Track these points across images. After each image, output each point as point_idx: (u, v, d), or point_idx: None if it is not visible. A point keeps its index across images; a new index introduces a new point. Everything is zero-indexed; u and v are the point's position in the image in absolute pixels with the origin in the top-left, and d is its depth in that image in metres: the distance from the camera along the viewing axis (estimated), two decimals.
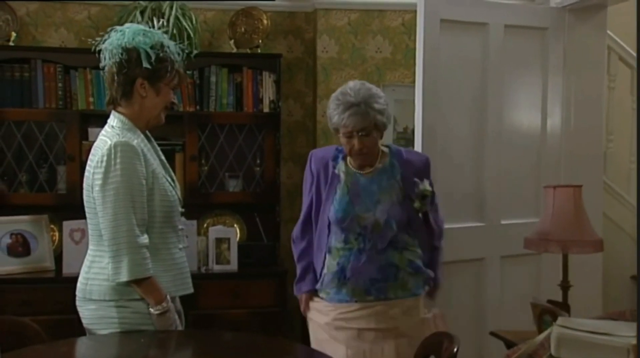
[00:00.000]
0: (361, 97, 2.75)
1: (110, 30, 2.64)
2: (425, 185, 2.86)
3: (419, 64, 3.62)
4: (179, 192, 2.69)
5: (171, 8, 4.31)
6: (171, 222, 2.61)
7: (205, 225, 4.53)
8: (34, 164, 4.32)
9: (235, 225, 4.55)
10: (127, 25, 2.65)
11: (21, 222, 4.22)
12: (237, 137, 4.46)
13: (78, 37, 4.52)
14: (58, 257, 4.25)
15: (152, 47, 2.57)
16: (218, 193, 4.46)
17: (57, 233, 4.39)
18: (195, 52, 4.28)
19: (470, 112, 3.83)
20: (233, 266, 4.24)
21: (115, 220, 2.45)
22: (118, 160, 2.47)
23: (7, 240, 4.17)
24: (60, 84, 4.32)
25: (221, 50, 4.62)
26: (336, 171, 2.91)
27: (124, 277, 2.45)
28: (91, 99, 4.29)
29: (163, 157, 2.74)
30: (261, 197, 4.48)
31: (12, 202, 4.28)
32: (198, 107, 4.43)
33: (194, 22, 4.37)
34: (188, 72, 4.37)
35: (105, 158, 2.48)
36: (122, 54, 2.57)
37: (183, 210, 2.73)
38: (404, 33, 4.66)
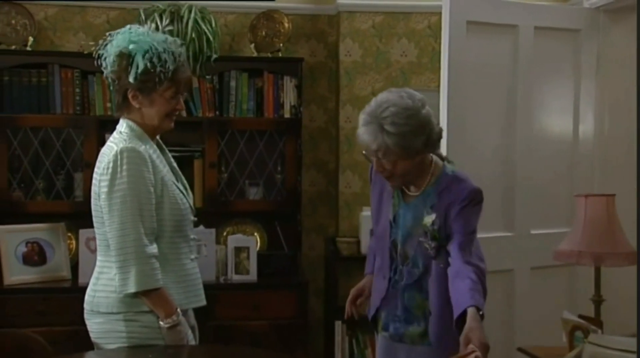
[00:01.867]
0: (378, 114, 2.37)
1: (111, 34, 2.57)
2: (428, 218, 2.46)
3: (444, 67, 3.55)
4: (191, 200, 2.63)
5: (190, 11, 4.27)
6: (182, 231, 2.55)
7: (224, 233, 4.48)
8: (50, 171, 4.30)
9: (255, 234, 4.50)
10: (126, 27, 2.56)
11: (37, 230, 4.20)
12: (257, 144, 4.41)
13: (96, 42, 4.48)
14: (74, 266, 4.22)
15: (144, 55, 2.47)
16: (238, 201, 4.41)
17: (74, 242, 4.36)
18: (214, 56, 4.28)
19: (498, 117, 3.74)
20: (252, 276, 4.18)
21: (122, 229, 2.39)
22: (124, 167, 2.41)
23: (23, 248, 4.15)
24: (77, 89, 4.30)
25: (241, 54, 4.58)
26: (389, 188, 2.59)
27: (132, 289, 2.39)
28: (109, 105, 4.26)
29: (175, 164, 2.68)
30: (282, 205, 4.42)
31: (28, 210, 4.26)
32: (217, 113, 4.39)
33: (213, 25, 4.33)
34: (207, 76, 4.36)
35: (111, 164, 2.42)
36: (113, 64, 2.51)
37: (195, 219, 2.66)
38: (430, 36, 4.59)
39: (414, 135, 2.37)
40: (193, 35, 4.22)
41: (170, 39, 2.59)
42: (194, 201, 4.22)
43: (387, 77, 4.56)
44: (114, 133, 2.55)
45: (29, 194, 4.31)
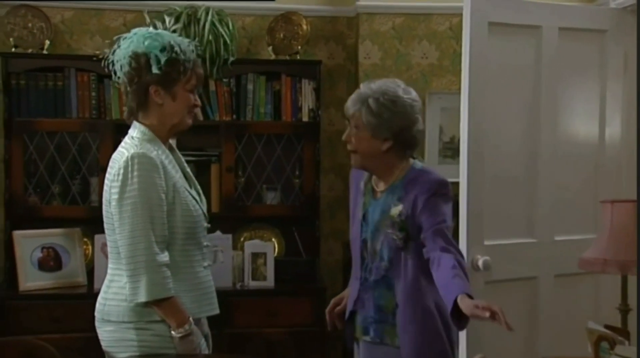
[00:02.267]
0: (369, 88, 2.55)
1: (117, 39, 2.55)
2: (395, 209, 2.52)
3: (464, 70, 3.48)
4: (204, 207, 2.59)
5: (207, 13, 4.25)
6: (195, 238, 2.51)
7: (241, 239, 4.45)
8: (66, 176, 4.29)
9: (272, 240, 4.47)
10: (133, 30, 2.55)
11: (53, 236, 4.19)
12: (275, 148, 4.38)
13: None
14: (90, 272, 4.21)
15: (161, 50, 2.47)
16: (255, 206, 4.39)
17: (90, 247, 4.35)
18: (231, 59, 4.26)
19: (521, 121, 3.67)
20: (269, 282, 4.15)
21: (133, 237, 2.36)
22: (135, 173, 2.37)
23: (39, 254, 4.14)
24: (93, 93, 4.29)
25: (260, 57, 4.55)
26: (361, 186, 2.71)
27: (143, 298, 2.35)
28: (125, 109, 4.23)
29: (188, 169, 2.64)
30: (300, 210, 4.39)
31: (44, 214, 4.26)
32: (234, 117, 4.36)
33: (230, 27, 4.31)
34: (224, 80, 4.34)
35: (122, 171, 2.39)
36: (130, 63, 2.48)
37: (208, 225, 2.62)
38: (452, 37, 4.53)
39: (389, 122, 2.50)
40: (210, 37, 4.21)
41: (175, 34, 2.60)
42: (211, 206, 4.32)
43: (408, 80, 4.36)
44: (126, 138, 2.52)
45: (45, 199, 4.30)
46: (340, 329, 2.78)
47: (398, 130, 2.53)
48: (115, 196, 2.39)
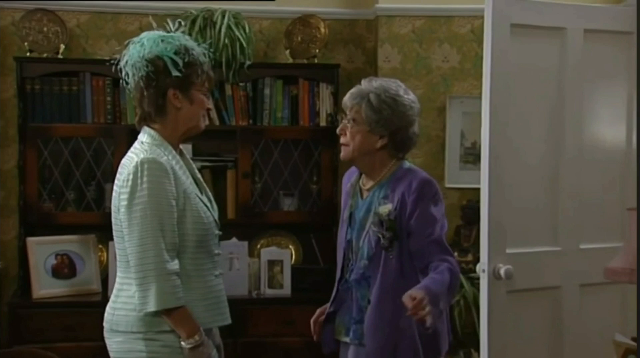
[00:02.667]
0: (371, 84, 2.60)
1: (128, 44, 2.52)
2: (384, 207, 2.53)
3: (486, 73, 3.41)
4: (215, 214, 2.54)
5: (223, 17, 4.23)
6: (206, 246, 2.46)
7: (258, 246, 4.42)
8: (81, 182, 4.28)
9: (290, 247, 4.44)
10: (144, 34, 2.52)
11: (67, 242, 4.18)
12: (292, 153, 4.36)
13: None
14: (105, 279, 4.19)
15: (176, 53, 2.44)
16: (272, 212, 4.36)
17: (104, 254, 4.33)
18: (248, 62, 4.24)
19: (545, 126, 3.59)
20: (286, 290, 4.13)
21: (142, 245, 2.32)
22: (145, 179, 2.33)
23: (53, 261, 4.14)
24: (109, 98, 4.28)
25: (277, 61, 4.52)
26: (349, 188, 2.73)
27: (152, 307, 2.31)
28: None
29: (199, 175, 2.60)
30: (317, 217, 4.37)
31: (59, 221, 4.25)
32: (251, 121, 4.34)
33: (247, 31, 4.28)
34: (241, 84, 4.32)
35: (131, 176, 2.35)
36: (147, 66, 2.44)
37: (220, 233, 2.57)
38: (474, 40, 4.47)
39: (388, 119, 2.54)
40: (226, 41, 4.20)
41: (187, 37, 2.58)
42: (227, 212, 4.30)
43: (428, 84, 4.45)
44: (135, 143, 2.49)
45: (60, 205, 4.29)
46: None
47: (395, 129, 2.57)
48: (124, 202, 2.36)
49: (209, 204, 2.52)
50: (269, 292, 4.13)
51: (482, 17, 3.56)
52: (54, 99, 4.24)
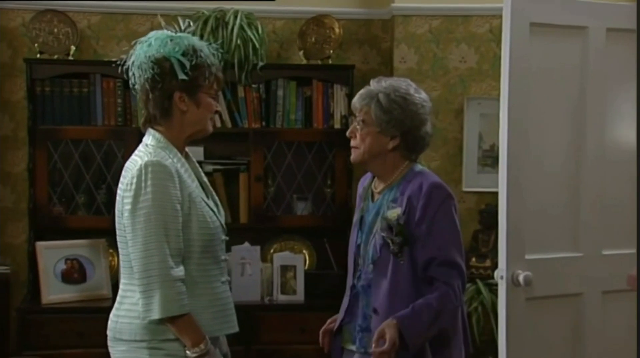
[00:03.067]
0: (380, 84, 2.53)
1: (135, 43, 2.47)
2: (392, 212, 2.44)
3: (504, 73, 3.34)
4: (222, 218, 2.49)
5: (235, 17, 4.19)
6: (212, 252, 2.41)
7: (271, 251, 4.39)
8: (91, 186, 4.25)
9: (304, 252, 4.40)
10: (151, 34, 2.47)
11: (77, 247, 4.16)
12: (306, 156, 4.33)
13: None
14: (116, 285, 4.13)
15: (184, 54, 2.39)
16: (285, 216, 4.33)
17: (115, 259, 4.28)
18: (261, 63, 4.20)
19: (565, 127, 3.51)
20: (299, 296, 4.10)
21: (146, 250, 2.27)
22: (149, 183, 2.28)
23: (62, 266, 4.11)
24: (119, 100, 4.25)
25: (290, 62, 4.48)
26: (362, 192, 2.68)
27: (156, 315, 2.26)
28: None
29: (205, 179, 2.54)
30: (332, 221, 4.33)
31: (69, 225, 4.22)
32: (264, 124, 4.31)
33: (259, 31, 4.25)
34: (253, 85, 4.28)
35: (134, 180, 2.30)
36: (153, 68, 2.38)
37: (227, 238, 2.52)
38: (492, 40, 4.42)
39: (398, 119, 2.47)
40: (238, 42, 4.16)
41: (195, 37, 2.52)
42: (239, 216, 4.25)
43: (445, 85, 4.41)
44: (140, 146, 2.44)
45: (70, 209, 4.26)
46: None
47: (407, 129, 2.50)
48: (128, 207, 2.31)
49: (215, 209, 2.47)
50: (282, 298, 4.09)
51: (501, 16, 3.50)
52: (64, 100, 4.22)
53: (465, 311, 2.60)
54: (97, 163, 4.24)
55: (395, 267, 2.44)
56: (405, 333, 2.33)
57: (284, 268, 4.09)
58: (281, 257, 4.14)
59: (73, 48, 4.30)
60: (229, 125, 4.25)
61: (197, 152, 4.17)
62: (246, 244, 4.12)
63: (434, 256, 2.41)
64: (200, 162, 4.17)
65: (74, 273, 4.12)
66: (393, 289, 2.43)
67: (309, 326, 3.94)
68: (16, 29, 4.39)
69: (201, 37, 4.09)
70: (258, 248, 4.16)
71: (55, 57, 4.28)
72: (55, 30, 4.31)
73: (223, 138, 4.28)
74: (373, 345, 2.33)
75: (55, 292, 4.04)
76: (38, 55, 4.27)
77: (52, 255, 4.09)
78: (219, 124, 4.23)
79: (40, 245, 4.09)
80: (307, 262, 4.37)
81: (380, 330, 2.34)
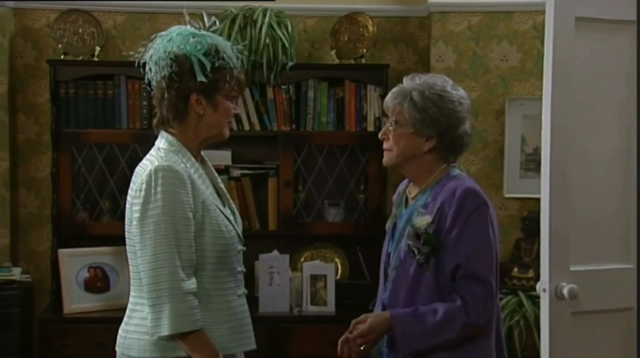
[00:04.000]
0: (414, 82, 2.41)
1: (155, 37, 2.37)
2: (421, 219, 2.31)
3: (547, 71, 3.23)
4: (239, 227, 2.38)
5: (264, 15, 4.11)
6: (227, 263, 2.30)
7: (301, 259, 4.32)
8: (115, 191, 4.19)
9: (336, 260, 4.33)
10: (173, 28, 2.38)
11: (101, 254, 4.10)
12: (337, 160, 4.25)
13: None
14: None
15: (205, 54, 2.28)
16: (315, 223, 4.26)
17: None
18: (290, 63, 4.13)
19: (614, 128, 3.38)
20: (330, 308, 4.02)
21: (155, 261, 2.17)
22: (159, 189, 2.18)
23: (85, 274, 4.06)
24: (145, 102, 4.19)
25: (322, 62, 4.42)
26: (396, 198, 2.56)
27: (165, 331, 2.15)
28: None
29: (222, 185, 2.44)
30: (365, 228, 4.24)
31: (93, 232, 4.18)
32: (294, 126, 4.24)
33: (289, 30, 4.17)
34: (283, 86, 4.22)
35: (144, 186, 2.20)
36: (171, 65, 2.28)
37: (243, 248, 2.41)
38: (536, 37, 4.30)
39: (434, 118, 2.34)
40: (267, 41, 4.09)
41: (220, 37, 2.42)
42: (268, 223, 4.17)
43: (485, 85, 4.30)
44: (152, 149, 2.35)
45: (94, 215, 4.22)
46: None
47: (444, 129, 2.36)
48: (137, 214, 2.22)
49: (231, 217, 2.36)
50: (312, 309, 4.01)
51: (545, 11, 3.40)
52: (88, 103, 4.18)
53: (501, 328, 2.45)
54: (121, 167, 4.18)
55: (418, 277, 2.32)
56: (397, 332, 2.25)
57: (314, 278, 4.01)
58: (311, 266, 4.06)
59: (98, 49, 4.26)
60: (258, 128, 4.19)
61: (224, 156, 4.14)
62: (275, 252, 4.06)
63: (459, 266, 2.27)
64: (227, 167, 4.19)
65: (97, 281, 4.06)
66: (411, 301, 2.31)
67: (339, 339, 3.86)
68: (41, 29, 4.36)
69: (229, 36, 4.03)
70: (287, 256, 4.09)
71: (81, 58, 4.23)
72: (80, 30, 4.27)
73: (251, 141, 4.24)
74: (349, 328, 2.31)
75: (77, 301, 3.99)
76: (62, 57, 4.23)
77: (74, 262, 4.04)
78: (247, 127, 4.20)
79: (62, 252, 4.04)
80: (339, 271, 4.31)
81: (364, 317, 2.31)
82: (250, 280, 4.16)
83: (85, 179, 4.19)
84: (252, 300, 4.08)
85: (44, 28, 4.34)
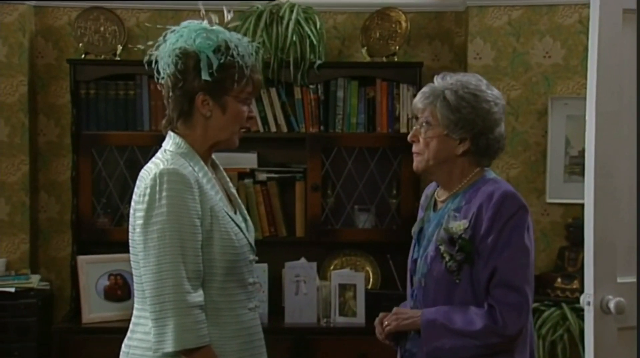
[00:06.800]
0: (446, 81, 2.33)
1: (166, 34, 2.28)
2: (457, 224, 2.21)
3: (591, 68, 3.11)
4: (251, 236, 2.29)
5: (291, 11, 4.04)
6: (237, 274, 2.21)
7: (330, 267, 4.25)
8: None
9: (366, 269, 4.26)
10: (185, 22, 2.28)
11: (120, 261, 4.02)
12: (368, 163, 4.19)
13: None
14: None
15: (215, 51, 2.19)
16: (345, 230, 4.20)
17: None
18: (319, 62, 4.07)
19: None
20: (359, 319, 3.95)
21: (159, 272, 2.08)
22: (164, 193, 2.09)
23: (105, 282, 4.01)
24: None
25: (352, 60, 4.35)
26: (423, 202, 2.47)
27: (170, 347, 2.06)
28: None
29: (233, 190, 2.35)
30: (396, 235, 4.17)
31: (114, 238, 4.12)
32: (322, 128, 4.20)
33: (318, 27, 4.11)
34: (311, 86, 4.17)
35: (148, 190, 2.12)
36: (177, 63, 2.20)
37: (256, 258, 2.32)
38: (581, 32, 4.19)
39: (468, 119, 2.27)
40: (294, 38, 4.04)
41: (233, 33, 2.31)
42: (295, 230, 4.09)
43: (526, 83, 4.20)
44: (158, 152, 2.27)
45: (115, 220, 4.18)
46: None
47: (478, 131, 2.29)
48: (140, 221, 2.14)
49: (242, 225, 2.27)
50: (340, 320, 3.94)
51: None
52: (109, 104, 4.14)
53: (534, 346, 2.36)
54: None
55: (448, 286, 2.23)
56: (423, 335, 2.22)
57: (343, 287, 3.94)
58: (340, 275, 3.99)
59: (120, 48, 4.22)
60: (285, 129, 4.14)
61: (250, 159, 4.11)
62: (302, 260, 4.02)
63: (494, 273, 2.18)
64: (253, 170, 4.13)
65: (117, 290, 4.02)
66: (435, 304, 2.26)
67: (370, 352, 3.80)
68: (62, 28, 4.33)
69: (254, 33, 3.96)
70: (314, 264, 4.03)
71: (102, 57, 4.19)
72: (102, 28, 4.23)
73: (278, 144, 4.20)
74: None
75: (96, 310, 3.94)
76: (83, 56, 4.20)
77: (94, 270, 4.00)
78: (273, 129, 4.15)
79: (81, 259, 4.00)
80: (371, 280, 4.24)
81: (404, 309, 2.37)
82: (276, 290, 4.10)
83: (106, 183, 4.17)
84: (278, 310, 4.05)
85: (65, 27, 4.32)
